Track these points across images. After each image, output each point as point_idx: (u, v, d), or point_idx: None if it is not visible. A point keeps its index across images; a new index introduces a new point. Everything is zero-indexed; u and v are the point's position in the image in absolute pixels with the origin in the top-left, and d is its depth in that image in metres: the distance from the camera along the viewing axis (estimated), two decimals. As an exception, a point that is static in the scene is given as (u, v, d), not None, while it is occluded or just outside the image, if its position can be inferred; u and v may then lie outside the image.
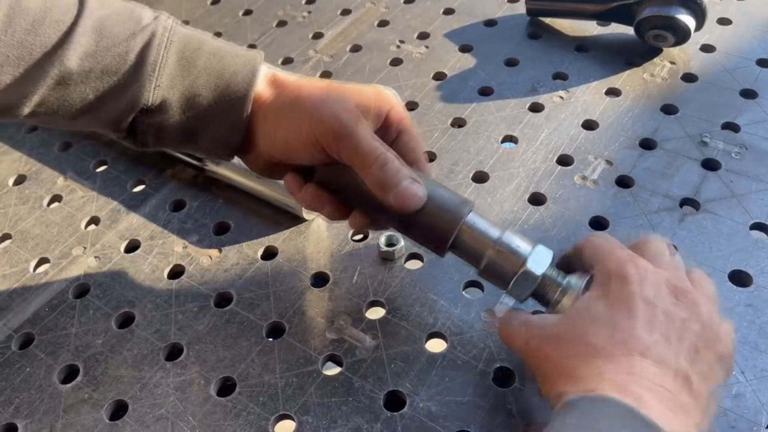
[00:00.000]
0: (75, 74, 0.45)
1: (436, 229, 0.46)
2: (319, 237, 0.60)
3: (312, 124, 0.45)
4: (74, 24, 0.44)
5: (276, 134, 0.48)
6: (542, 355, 0.42)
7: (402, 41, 0.79)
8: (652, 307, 0.41)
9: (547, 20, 0.79)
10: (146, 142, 0.50)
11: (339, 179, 0.48)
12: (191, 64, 0.47)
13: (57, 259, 0.61)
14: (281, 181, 0.56)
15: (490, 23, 0.80)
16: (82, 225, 0.64)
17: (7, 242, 0.64)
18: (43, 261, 0.62)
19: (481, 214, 0.47)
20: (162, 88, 0.47)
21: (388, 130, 0.49)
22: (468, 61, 0.75)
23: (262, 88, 0.49)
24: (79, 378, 0.53)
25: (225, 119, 0.48)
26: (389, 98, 0.49)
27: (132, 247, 0.62)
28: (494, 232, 0.46)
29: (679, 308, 0.41)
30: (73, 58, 0.44)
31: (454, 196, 0.47)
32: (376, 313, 0.54)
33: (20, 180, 0.70)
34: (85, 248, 0.62)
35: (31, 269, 0.61)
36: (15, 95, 0.44)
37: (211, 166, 0.64)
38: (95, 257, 0.61)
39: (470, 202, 0.47)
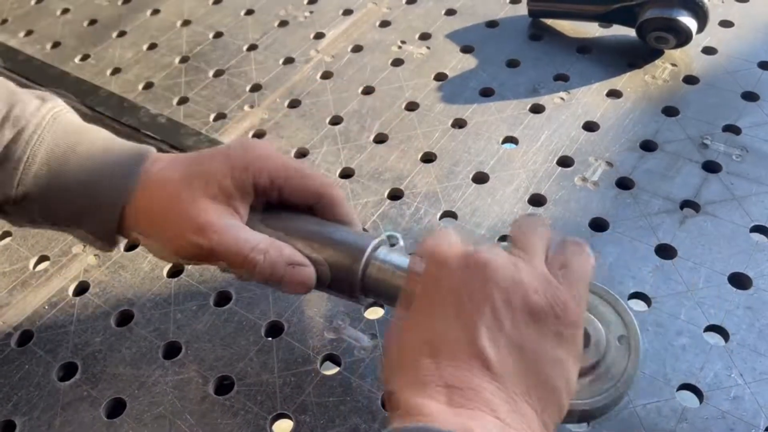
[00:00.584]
0: None
1: (342, 282, 0.44)
2: (319, 237, 0.60)
3: (179, 238, 0.43)
4: None
5: (158, 241, 0.45)
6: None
7: (403, 42, 0.79)
8: (499, 319, 0.36)
9: (549, 21, 0.79)
10: (20, 223, 0.47)
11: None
12: (60, 166, 0.44)
13: (57, 257, 0.61)
14: None
15: (491, 24, 0.80)
16: (83, 223, 0.64)
17: (8, 239, 0.64)
18: (43, 259, 0.62)
19: (392, 250, 0.44)
20: (25, 185, 0.43)
21: (271, 190, 0.45)
22: (469, 61, 0.75)
23: (136, 197, 0.44)
24: (77, 376, 0.53)
25: (93, 226, 0.45)
26: (255, 159, 0.44)
27: (132, 245, 0.62)
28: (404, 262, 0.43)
29: (529, 327, 0.36)
30: None
31: (357, 238, 0.44)
32: (374, 313, 0.54)
33: (21, 178, 0.70)
34: (84, 246, 0.62)
35: (31, 267, 0.61)
36: None
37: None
38: (95, 255, 0.61)
39: (372, 241, 0.44)
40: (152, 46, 0.84)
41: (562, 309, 0.36)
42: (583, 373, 0.39)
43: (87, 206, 0.44)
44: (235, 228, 0.43)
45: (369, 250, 0.43)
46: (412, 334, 0.38)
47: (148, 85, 0.78)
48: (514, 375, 0.35)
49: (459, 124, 0.69)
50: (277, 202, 0.46)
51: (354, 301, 0.46)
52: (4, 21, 0.91)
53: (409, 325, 0.38)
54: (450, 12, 0.82)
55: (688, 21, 0.67)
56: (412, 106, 0.71)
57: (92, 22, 0.89)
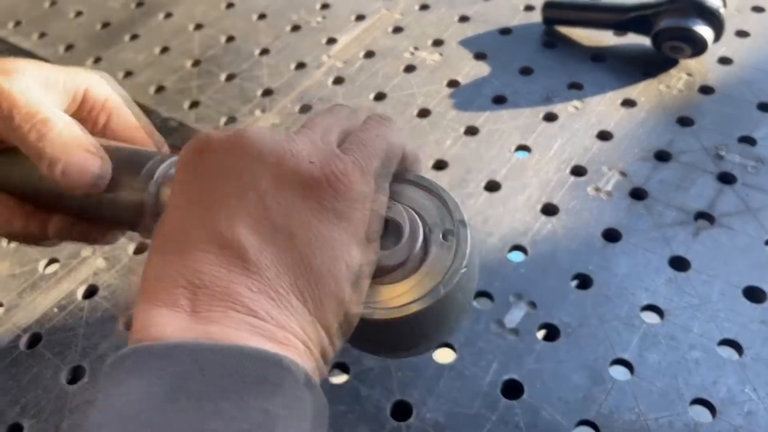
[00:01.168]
0: None
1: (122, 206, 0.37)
2: (329, 243, 0.60)
3: None
4: None
5: None
6: None
7: (416, 48, 0.79)
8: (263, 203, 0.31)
9: (563, 29, 0.79)
10: None
11: (11, 173, 0.38)
12: None
13: (66, 260, 0.61)
14: None
15: (505, 31, 0.80)
16: (93, 226, 0.64)
17: (18, 241, 0.64)
18: (52, 261, 0.62)
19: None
20: None
21: (90, 116, 0.41)
22: (482, 68, 0.75)
23: None
24: (85, 378, 0.52)
25: None
26: (86, 77, 0.41)
27: (141, 248, 0.62)
28: None
29: (301, 207, 0.31)
30: None
31: (148, 154, 0.38)
32: (384, 321, 0.54)
33: (33, 179, 0.70)
34: (94, 250, 0.62)
35: (41, 269, 0.61)
36: None
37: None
38: (104, 258, 0.61)
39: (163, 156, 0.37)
40: (164, 50, 0.84)
41: (340, 181, 0.31)
42: (390, 271, 0.34)
43: None
44: (40, 95, 0.38)
45: (165, 165, 0.37)
46: (161, 236, 0.31)
47: (160, 89, 0.78)
48: (279, 265, 0.30)
49: (471, 131, 0.68)
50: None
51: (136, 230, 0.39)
52: (18, 23, 0.91)
53: (161, 227, 0.32)
54: (463, 18, 0.82)
55: (704, 31, 0.67)
56: (424, 113, 0.71)
57: (105, 24, 0.89)
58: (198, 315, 0.28)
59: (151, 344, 0.27)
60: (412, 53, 0.78)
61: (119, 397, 0.26)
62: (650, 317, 0.52)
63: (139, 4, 0.92)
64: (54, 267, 0.61)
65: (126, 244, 0.62)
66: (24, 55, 0.83)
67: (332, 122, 0.35)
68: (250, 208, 0.30)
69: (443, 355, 0.51)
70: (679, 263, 0.55)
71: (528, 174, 0.63)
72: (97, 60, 0.83)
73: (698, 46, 0.69)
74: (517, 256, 0.57)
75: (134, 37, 0.86)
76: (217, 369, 0.26)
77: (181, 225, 0.31)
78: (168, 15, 0.89)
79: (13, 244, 0.64)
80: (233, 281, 0.29)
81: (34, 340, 0.56)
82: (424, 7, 0.85)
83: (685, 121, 0.66)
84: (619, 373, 0.49)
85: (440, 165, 0.65)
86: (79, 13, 0.92)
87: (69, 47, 0.86)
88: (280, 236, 0.30)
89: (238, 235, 0.30)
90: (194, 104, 0.75)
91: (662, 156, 0.64)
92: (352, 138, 0.34)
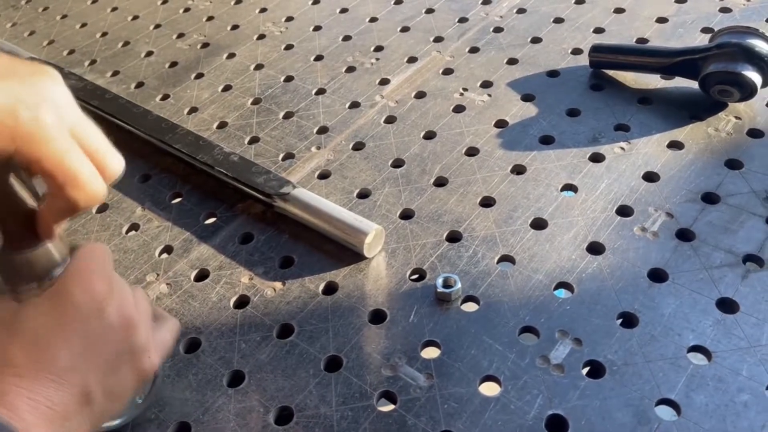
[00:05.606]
0: None
1: None
2: (378, 275, 0.62)
3: None
4: None
5: None
6: None
7: (465, 89, 0.82)
8: (87, 327, 0.42)
9: (610, 72, 0.80)
10: None
11: None
12: None
13: (132, 284, 0.65)
14: (344, 219, 0.62)
15: (552, 74, 0.82)
16: (156, 253, 0.68)
17: (88, 266, 0.68)
18: (119, 285, 0.66)
19: None
20: None
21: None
22: (530, 110, 0.77)
23: None
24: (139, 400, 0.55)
25: None
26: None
27: (201, 276, 0.65)
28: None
29: (114, 332, 0.43)
30: None
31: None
32: (431, 353, 0.55)
33: (103, 208, 0.75)
34: (158, 275, 0.66)
35: (109, 292, 0.65)
36: None
37: (280, 203, 0.68)
38: (167, 284, 0.65)
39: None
40: (227, 88, 0.89)
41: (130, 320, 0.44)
42: None
43: None
44: None
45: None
46: None
47: (222, 125, 0.83)
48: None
49: (518, 170, 0.70)
50: None
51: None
52: (94, 62, 0.98)
53: None
54: (512, 61, 0.85)
55: (753, 75, 0.68)
56: (472, 152, 0.73)
57: (173, 64, 0.95)
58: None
59: None
60: (462, 94, 0.81)
61: None
62: (697, 358, 0.52)
63: (204, 45, 0.97)
64: (120, 291, 0.65)
65: (187, 272, 0.65)
66: (98, 91, 0.89)
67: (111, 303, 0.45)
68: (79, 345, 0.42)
69: (489, 388, 0.52)
70: (727, 305, 0.55)
71: (574, 213, 0.65)
72: (165, 97, 0.89)
73: (747, 91, 0.69)
74: (562, 294, 0.59)
75: (199, 75, 0.92)
76: None
77: (35, 344, 0.41)
78: (231, 55, 0.95)
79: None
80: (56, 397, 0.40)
81: (101, 359, 0.59)
82: (473, 50, 0.88)
83: (733, 164, 0.67)
84: (665, 413, 0.49)
85: (487, 202, 0.67)
86: (149, 53, 0.98)
87: (139, 85, 0.92)
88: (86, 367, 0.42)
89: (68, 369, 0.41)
90: (254, 140, 0.80)
91: (710, 198, 0.64)
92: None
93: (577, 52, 0.84)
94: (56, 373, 0.40)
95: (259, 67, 0.91)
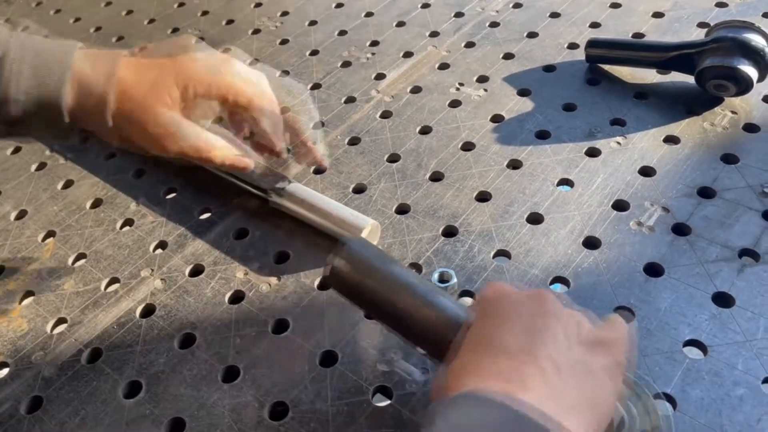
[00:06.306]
0: None
1: (431, 344, 0.46)
2: (374, 270, 0.62)
3: (153, 146, 0.57)
4: None
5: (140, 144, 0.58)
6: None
7: (461, 84, 0.81)
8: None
9: (606, 67, 0.80)
10: None
11: None
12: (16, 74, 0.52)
13: (126, 280, 0.65)
14: (339, 214, 0.62)
15: (548, 69, 0.82)
16: (151, 248, 0.68)
17: (82, 261, 0.68)
18: (113, 281, 0.66)
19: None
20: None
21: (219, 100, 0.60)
22: (526, 104, 0.77)
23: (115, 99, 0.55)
24: (141, 394, 0.55)
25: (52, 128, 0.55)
26: (194, 75, 0.57)
27: (196, 271, 0.65)
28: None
29: (584, 355, 0.40)
30: None
31: (455, 307, 0.46)
32: (427, 348, 0.55)
33: (97, 203, 0.74)
34: (152, 270, 0.66)
35: (103, 288, 0.65)
36: None
37: (275, 198, 0.67)
38: (161, 279, 0.65)
39: (469, 314, 0.45)
40: (222, 83, 0.88)
41: (614, 348, 0.41)
42: None
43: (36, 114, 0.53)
44: (192, 134, 0.58)
45: (463, 320, 0.45)
46: (470, 351, 0.40)
47: (218, 119, 0.82)
48: (568, 392, 0.37)
49: (514, 165, 0.70)
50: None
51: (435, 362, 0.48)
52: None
53: (469, 344, 0.41)
54: (508, 56, 0.84)
55: (749, 70, 0.68)
56: (468, 146, 0.73)
57: (167, 59, 0.94)
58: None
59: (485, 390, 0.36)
60: (458, 89, 0.81)
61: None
62: (693, 353, 0.52)
63: (200, 40, 0.97)
64: (115, 286, 0.65)
65: (182, 267, 0.65)
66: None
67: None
68: (547, 344, 0.39)
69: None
70: (723, 300, 0.55)
71: (570, 207, 0.64)
72: (159, 92, 0.88)
73: (743, 85, 0.69)
74: (558, 288, 0.58)
75: (193, 71, 0.91)
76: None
77: (490, 345, 0.40)
78: (226, 50, 0.94)
79: (78, 264, 0.68)
80: (534, 384, 0.37)
81: (95, 355, 0.59)
82: (469, 44, 0.87)
83: (729, 159, 0.67)
84: (661, 407, 0.49)
85: (483, 197, 0.67)
86: (142, 49, 0.97)
87: (133, 80, 0.91)
88: (568, 370, 0.38)
89: (541, 357, 0.38)
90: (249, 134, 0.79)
91: (706, 193, 0.64)
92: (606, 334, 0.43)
93: (573, 46, 0.84)
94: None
95: (254, 61, 0.91)
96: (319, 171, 0.73)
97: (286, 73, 0.88)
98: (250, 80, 0.60)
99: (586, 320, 0.42)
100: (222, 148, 0.60)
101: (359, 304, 0.49)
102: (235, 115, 0.66)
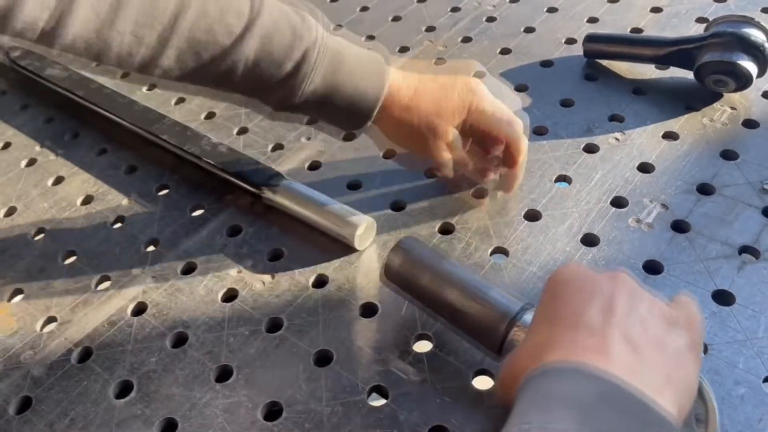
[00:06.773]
0: (237, 76, 0.55)
1: (484, 337, 0.49)
2: (369, 268, 0.61)
3: (425, 150, 0.61)
4: (245, 30, 0.53)
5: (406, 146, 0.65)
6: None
7: (458, 79, 0.80)
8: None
9: (605, 62, 0.79)
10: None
11: None
12: (333, 80, 0.56)
13: (117, 277, 0.64)
14: (334, 211, 0.61)
15: (546, 64, 0.81)
16: (143, 246, 0.67)
17: (73, 258, 0.67)
18: (104, 278, 0.64)
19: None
20: (305, 95, 0.56)
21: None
22: (523, 100, 0.76)
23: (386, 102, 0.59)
24: (132, 394, 0.54)
25: (349, 123, 0.61)
26: (475, 106, 0.60)
27: (189, 269, 0.64)
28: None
29: (667, 333, 0.41)
30: (239, 64, 0.54)
31: (507, 300, 0.48)
32: (423, 347, 0.54)
33: (88, 200, 0.73)
34: (144, 268, 0.64)
35: (93, 286, 0.64)
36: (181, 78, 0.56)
37: (269, 194, 0.66)
38: (153, 277, 0.64)
39: (520, 305, 0.48)
40: (215, 78, 0.87)
41: (688, 323, 0.41)
42: None
43: (347, 110, 0.59)
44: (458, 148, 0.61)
45: (515, 312, 0.47)
46: (549, 327, 0.41)
47: (210, 115, 0.81)
48: (653, 369, 0.38)
49: (512, 161, 0.69)
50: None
51: (493, 357, 0.50)
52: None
53: (545, 321, 0.42)
54: (505, 51, 0.84)
55: (749, 65, 0.67)
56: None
57: (160, 54, 0.93)
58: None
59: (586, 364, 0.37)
60: (454, 84, 0.80)
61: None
62: (693, 351, 0.52)
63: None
64: (105, 284, 0.64)
65: (174, 265, 0.64)
66: (83, 81, 0.87)
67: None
68: (632, 322, 0.39)
69: (482, 382, 0.51)
70: (723, 297, 0.54)
71: (568, 204, 0.64)
72: (152, 87, 0.87)
73: (742, 80, 0.68)
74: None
75: (186, 66, 0.90)
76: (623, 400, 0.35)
77: (571, 317, 0.40)
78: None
79: (69, 261, 0.66)
80: (622, 359, 0.38)
81: (85, 354, 0.58)
82: (466, 39, 0.86)
83: (729, 155, 0.66)
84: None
85: (481, 193, 0.66)
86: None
87: (125, 75, 0.90)
88: (654, 348, 0.39)
89: (628, 336, 0.39)
90: (243, 131, 0.78)
91: (705, 189, 0.63)
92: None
93: (571, 41, 0.83)
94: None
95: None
96: (314, 167, 0.72)
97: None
98: (519, 131, 0.61)
99: (661, 300, 0.42)
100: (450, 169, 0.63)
101: (416, 299, 0.53)
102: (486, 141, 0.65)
